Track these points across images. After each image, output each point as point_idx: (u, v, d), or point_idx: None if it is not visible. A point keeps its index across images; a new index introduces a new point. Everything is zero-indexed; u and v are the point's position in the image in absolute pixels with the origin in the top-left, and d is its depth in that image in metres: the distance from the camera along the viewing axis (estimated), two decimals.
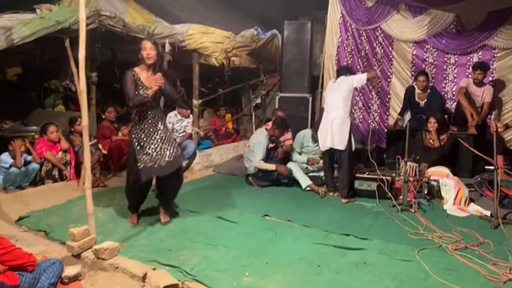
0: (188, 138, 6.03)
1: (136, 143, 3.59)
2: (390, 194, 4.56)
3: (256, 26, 7.42)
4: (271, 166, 5.14)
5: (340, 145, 4.65)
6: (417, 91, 6.06)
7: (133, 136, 3.63)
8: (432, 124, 5.34)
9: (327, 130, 4.74)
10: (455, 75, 6.37)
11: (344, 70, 5.15)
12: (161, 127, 3.68)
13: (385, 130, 6.65)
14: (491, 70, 5.98)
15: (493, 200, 3.99)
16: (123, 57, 8.06)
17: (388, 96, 6.86)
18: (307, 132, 5.57)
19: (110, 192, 4.88)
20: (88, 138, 3.26)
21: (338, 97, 4.76)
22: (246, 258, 3.10)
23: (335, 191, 4.89)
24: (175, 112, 6.04)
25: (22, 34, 4.38)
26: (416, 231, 3.72)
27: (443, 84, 6.46)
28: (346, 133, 4.64)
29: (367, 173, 4.96)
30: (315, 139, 5.35)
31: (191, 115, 6.14)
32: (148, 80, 3.58)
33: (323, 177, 5.23)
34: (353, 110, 6.91)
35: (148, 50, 3.55)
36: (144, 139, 3.59)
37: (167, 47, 5.79)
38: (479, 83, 5.79)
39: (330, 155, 4.89)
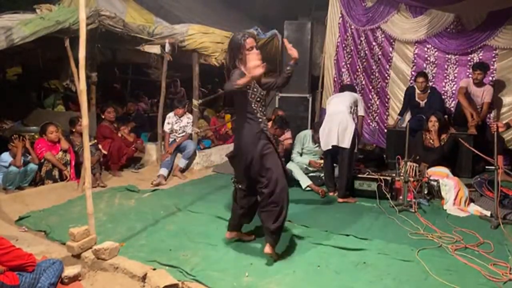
0: (188, 139, 6.03)
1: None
2: (390, 194, 4.56)
3: (256, 26, 7.43)
4: None
5: (345, 143, 4.64)
6: (417, 91, 6.06)
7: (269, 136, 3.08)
8: (433, 123, 5.33)
9: (330, 129, 4.73)
10: (455, 74, 6.38)
11: (349, 88, 5.45)
12: None
13: (385, 130, 6.66)
14: (491, 70, 5.98)
15: (493, 200, 3.99)
16: (123, 57, 8.09)
17: (388, 97, 6.86)
18: (307, 133, 5.56)
19: (110, 192, 4.88)
20: (88, 138, 3.26)
21: (342, 104, 4.83)
22: (246, 258, 3.10)
23: (335, 191, 4.89)
24: (173, 112, 6.04)
25: (22, 34, 4.38)
26: (416, 231, 3.72)
27: (443, 83, 6.47)
28: (351, 132, 4.63)
29: (367, 173, 4.97)
30: (315, 140, 5.35)
31: (190, 115, 6.13)
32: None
33: (323, 177, 5.23)
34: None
35: (255, 50, 3.05)
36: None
37: (167, 47, 5.79)
38: (479, 83, 5.79)
39: (332, 155, 4.88)
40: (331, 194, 4.93)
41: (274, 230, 3.00)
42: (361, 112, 5.08)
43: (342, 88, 5.67)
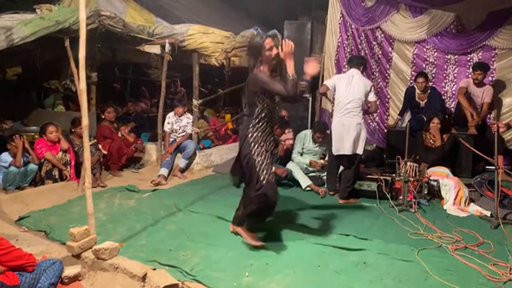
0: (188, 138, 6.03)
1: (259, 152, 3.15)
2: (390, 194, 4.56)
3: (256, 26, 7.42)
4: None
5: (358, 149, 4.56)
6: (417, 91, 6.06)
7: (256, 144, 3.17)
8: (435, 124, 5.34)
9: (342, 136, 4.53)
10: (455, 74, 6.37)
11: (357, 61, 4.80)
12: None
13: (385, 130, 6.65)
14: (491, 70, 5.98)
15: (493, 200, 3.99)
16: (123, 57, 8.09)
17: (388, 97, 6.86)
18: (307, 132, 5.56)
19: (110, 192, 4.88)
20: (88, 138, 3.26)
21: (355, 101, 4.51)
22: (246, 258, 3.10)
23: (336, 192, 4.88)
24: (173, 112, 6.04)
25: (22, 34, 4.38)
26: (416, 231, 3.72)
27: (443, 84, 6.47)
28: (364, 137, 4.57)
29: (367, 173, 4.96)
30: (315, 140, 5.35)
31: (190, 115, 6.13)
32: None
33: (323, 177, 5.23)
34: None
35: (274, 49, 3.15)
36: (265, 147, 3.20)
37: (167, 47, 5.79)
38: (479, 83, 5.79)
39: (339, 157, 4.77)
40: (331, 193, 4.91)
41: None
42: (372, 97, 4.66)
43: (350, 61, 4.99)
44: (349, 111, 4.55)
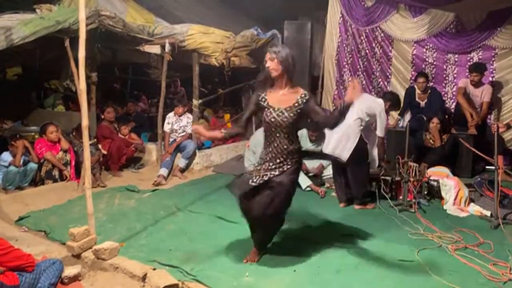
0: (188, 138, 6.03)
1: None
2: (390, 194, 4.55)
3: (256, 26, 7.42)
4: None
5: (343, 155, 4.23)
6: (418, 91, 6.06)
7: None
8: (435, 124, 5.34)
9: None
10: (455, 75, 6.38)
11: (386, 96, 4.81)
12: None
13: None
14: (491, 70, 5.98)
15: (493, 200, 3.99)
16: (123, 57, 8.09)
17: None
18: (304, 132, 5.53)
19: (110, 192, 4.88)
20: (88, 138, 3.26)
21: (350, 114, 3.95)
22: None
23: (345, 202, 4.57)
24: (173, 112, 6.04)
25: (22, 34, 4.38)
26: (416, 231, 3.72)
27: (443, 84, 6.47)
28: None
29: None
30: (311, 139, 5.35)
31: (190, 115, 6.13)
32: (275, 100, 2.91)
33: (324, 177, 5.22)
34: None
35: (268, 62, 2.89)
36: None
37: (167, 47, 5.79)
38: (477, 84, 5.78)
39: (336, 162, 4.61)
40: (341, 205, 4.52)
41: None
42: (378, 131, 4.39)
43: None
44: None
